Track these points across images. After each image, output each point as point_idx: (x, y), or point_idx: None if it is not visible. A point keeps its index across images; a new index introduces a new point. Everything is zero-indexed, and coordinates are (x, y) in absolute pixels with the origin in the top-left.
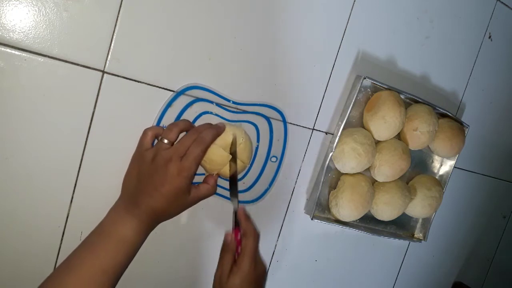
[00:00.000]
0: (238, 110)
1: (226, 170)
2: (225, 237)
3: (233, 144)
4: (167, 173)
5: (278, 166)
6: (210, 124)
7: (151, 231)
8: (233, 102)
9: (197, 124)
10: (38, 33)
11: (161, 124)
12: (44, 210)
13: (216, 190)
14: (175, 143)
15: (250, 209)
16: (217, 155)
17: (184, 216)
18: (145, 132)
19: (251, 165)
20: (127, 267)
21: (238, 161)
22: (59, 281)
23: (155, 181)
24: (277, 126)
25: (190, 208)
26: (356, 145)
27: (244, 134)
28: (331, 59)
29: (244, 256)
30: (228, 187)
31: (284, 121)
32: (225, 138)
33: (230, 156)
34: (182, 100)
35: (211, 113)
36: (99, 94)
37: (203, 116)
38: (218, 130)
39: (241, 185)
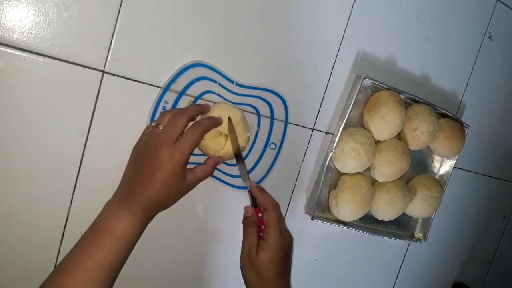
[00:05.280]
0: (240, 93)
1: (228, 153)
2: (245, 210)
3: (230, 124)
4: (159, 156)
5: (276, 154)
6: (199, 105)
7: (148, 222)
8: (236, 84)
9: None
10: (38, 33)
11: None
12: (44, 210)
13: (214, 172)
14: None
15: (246, 201)
16: (212, 140)
17: (184, 215)
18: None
19: (250, 150)
20: (125, 261)
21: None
22: (55, 283)
23: (149, 166)
24: (278, 112)
25: (189, 207)
26: (356, 145)
27: (240, 114)
28: (331, 59)
29: (269, 229)
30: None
31: (285, 107)
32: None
33: (225, 136)
34: (188, 76)
35: (213, 92)
36: (99, 94)
37: (206, 95)
38: (215, 120)
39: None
